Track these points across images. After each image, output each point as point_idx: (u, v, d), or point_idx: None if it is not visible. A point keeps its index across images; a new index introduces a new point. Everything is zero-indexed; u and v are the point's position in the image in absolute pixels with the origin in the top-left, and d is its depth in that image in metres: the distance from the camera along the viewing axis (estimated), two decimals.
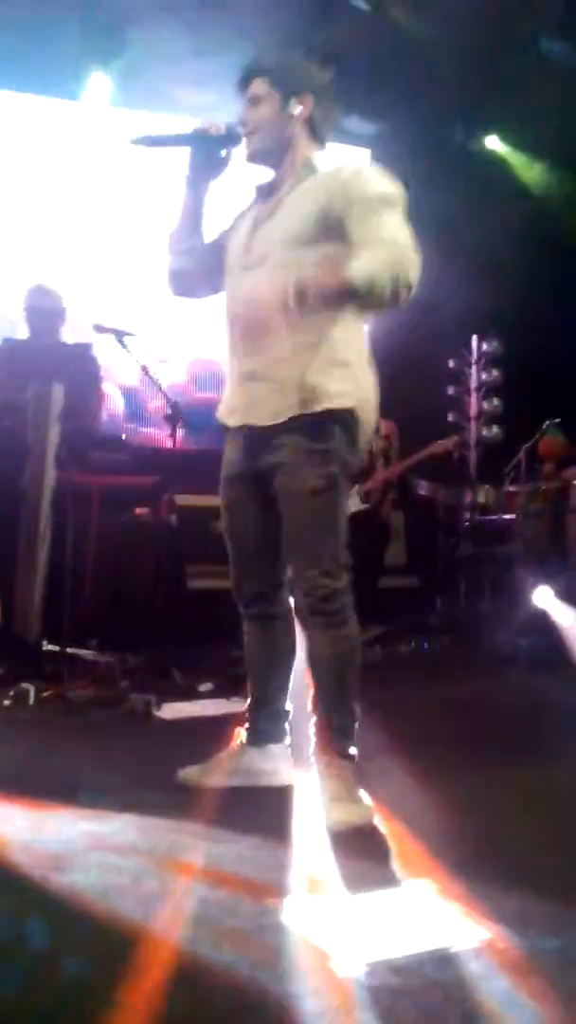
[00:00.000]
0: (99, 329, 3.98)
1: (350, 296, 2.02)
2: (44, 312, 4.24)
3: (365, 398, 2.23)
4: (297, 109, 2.23)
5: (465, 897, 1.69)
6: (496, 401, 6.77)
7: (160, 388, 4.15)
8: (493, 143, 7.13)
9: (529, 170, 7.19)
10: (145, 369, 3.99)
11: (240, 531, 2.37)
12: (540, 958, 1.47)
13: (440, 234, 6.62)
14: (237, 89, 2.30)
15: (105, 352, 4.35)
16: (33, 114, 6.07)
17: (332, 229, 2.12)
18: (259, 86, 2.25)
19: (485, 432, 6.77)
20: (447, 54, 6.14)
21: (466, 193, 6.74)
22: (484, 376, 6.83)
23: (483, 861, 1.88)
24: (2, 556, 3.92)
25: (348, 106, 6.71)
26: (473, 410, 6.87)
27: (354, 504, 5.31)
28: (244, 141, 2.29)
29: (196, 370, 6.39)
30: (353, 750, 2.21)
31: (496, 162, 7.19)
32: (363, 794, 2.13)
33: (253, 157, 2.30)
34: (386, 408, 5.70)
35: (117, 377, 5.89)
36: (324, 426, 2.16)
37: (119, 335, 3.89)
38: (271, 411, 2.19)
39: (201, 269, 2.41)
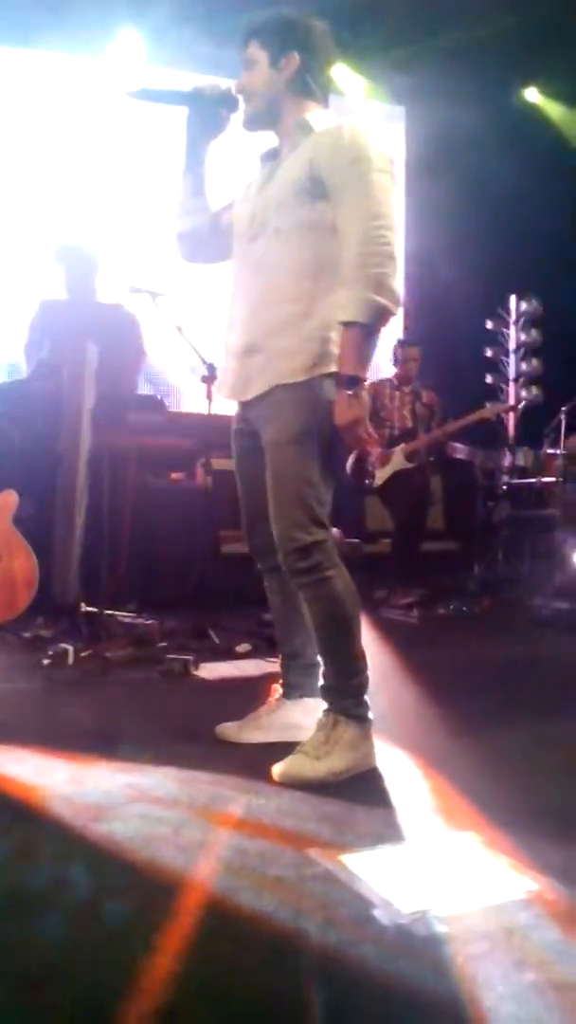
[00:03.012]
0: (134, 290, 3.94)
1: (368, 343, 2.07)
2: (81, 266, 4.21)
3: None
4: (282, 68, 2.18)
5: (511, 849, 1.67)
6: (535, 362, 6.66)
7: (195, 349, 4.11)
8: (532, 95, 6.93)
9: (570, 122, 6.99)
10: (180, 330, 3.94)
11: (245, 484, 2.37)
12: None
13: (476, 190, 6.51)
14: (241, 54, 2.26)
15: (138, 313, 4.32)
16: (64, 72, 6.02)
17: (319, 188, 2.09)
18: (252, 49, 2.21)
19: (524, 394, 6.66)
20: (483, 5, 5.96)
21: (503, 147, 6.58)
22: (523, 337, 6.72)
23: (527, 815, 1.86)
24: (39, 518, 3.93)
25: (382, 61, 6.57)
26: (512, 372, 6.77)
27: (399, 463, 5.28)
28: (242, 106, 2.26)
29: None
30: (359, 710, 2.14)
31: (535, 114, 7.00)
32: (337, 756, 2.07)
33: (249, 123, 2.27)
34: (423, 372, 5.67)
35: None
36: (302, 385, 2.12)
37: (154, 295, 3.85)
38: (259, 385, 2.18)
39: (207, 232, 2.40)
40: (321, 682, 2.22)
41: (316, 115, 2.19)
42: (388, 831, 1.77)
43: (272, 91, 2.20)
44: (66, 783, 1.99)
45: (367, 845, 1.69)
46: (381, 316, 2.04)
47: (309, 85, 2.21)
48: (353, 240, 2.03)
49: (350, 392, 2.05)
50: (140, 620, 3.92)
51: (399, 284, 2.08)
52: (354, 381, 2.06)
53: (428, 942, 1.33)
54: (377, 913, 1.41)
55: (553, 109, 7.00)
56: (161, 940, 1.31)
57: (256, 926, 1.37)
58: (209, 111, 2.31)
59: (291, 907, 1.42)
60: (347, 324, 2.05)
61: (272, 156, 2.28)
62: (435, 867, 1.62)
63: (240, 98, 2.26)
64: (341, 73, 6.61)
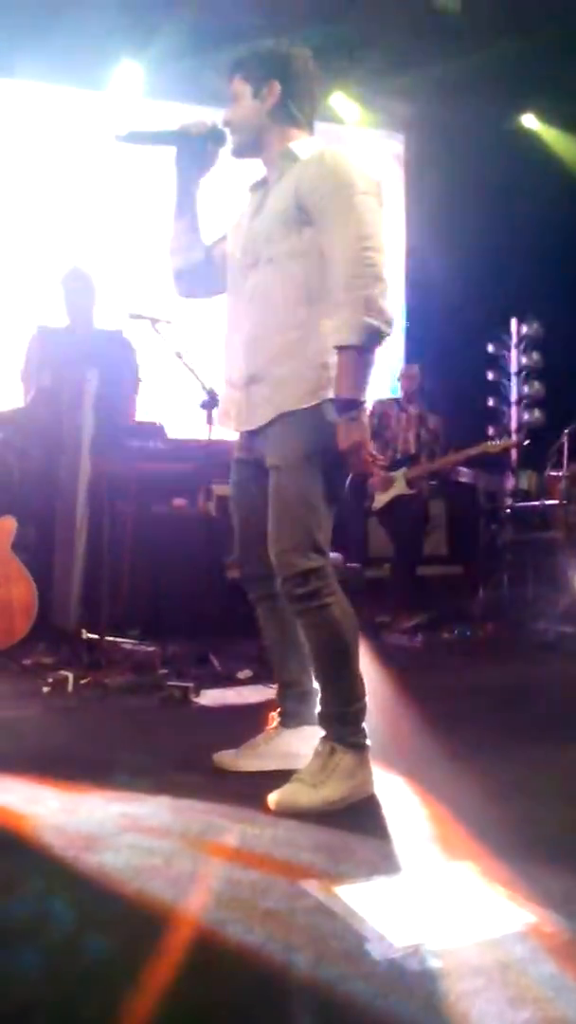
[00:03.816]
0: (133, 316, 3.95)
1: (363, 366, 2.05)
2: (81, 293, 4.23)
3: None
4: (263, 97, 2.19)
5: (509, 880, 1.63)
6: (537, 384, 6.66)
7: (196, 375, 4.11)
8: (530, 121, 6.98)
9: (568, 147, 7.03)
10: (180, 356, 3.94)
11: (242, 511, 2.35)
12: None
13: (476, 215, 6.54)
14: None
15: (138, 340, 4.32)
16: (62, 104, 6.09)
17: (305, 216, 2.10)
18: (236, 82, 2.23)
19: (526, 416, 6.66)
20: (481, 32, 6.02)
21: (502, 173, 6.61)
22: (524, 359, 6.72)
23: (526, 844, 1.82)
24: (40, 545, 3.93)
25: (382, 88, 6.64)
26: (513, 395, 6.76)
27: (400, 488, 5.27)
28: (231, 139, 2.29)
29: None
30: (356, 738, 2.11)
31: (533, 140, 7.04)
32: (333, 785, 2.03)
33: (236, 153, 2.29)
34: (427, 398, 5.64)
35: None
36: (308, 411, 2.12)
37: (153, 322, 3.86)
38: (264, 414, 2.18)
39: (203, 267, 2.41)
40: (318, 709, 2.19)
41: (300, 143, 2.20)
42: (383, 862, 1.73)
43: (256, 122, 2.22)
44: (59, 812, 1.96)
45: (362, 876, 1.65)
46: (375, 337, 2.03)
47: (293, 113, 2.22)
48: (340, 263, 2.03)
49: (350, 416, 2.05)
50: (141, 647, 3.90)
51: (392, 304, 2.06)
52: (353, 405, 2.05)
53: (421, 978, 1.30)
54: (370, 947, 1.38)
55: (551, 135, 7.05)
56: (145, 976, 1.28)
57: (245, 960, 1.34)
58: (197, 148, 2.33)
59: (281, 941, 1.39)
60: (341, 348, 2.04)
61: (260, 186, 2.30)
62: (430, 899, 1.58)
63: (227, 131, 2.29)
64: (339, 101, 6.67)
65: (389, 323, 2.04)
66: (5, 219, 5.99)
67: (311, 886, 1.59)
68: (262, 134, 2.23)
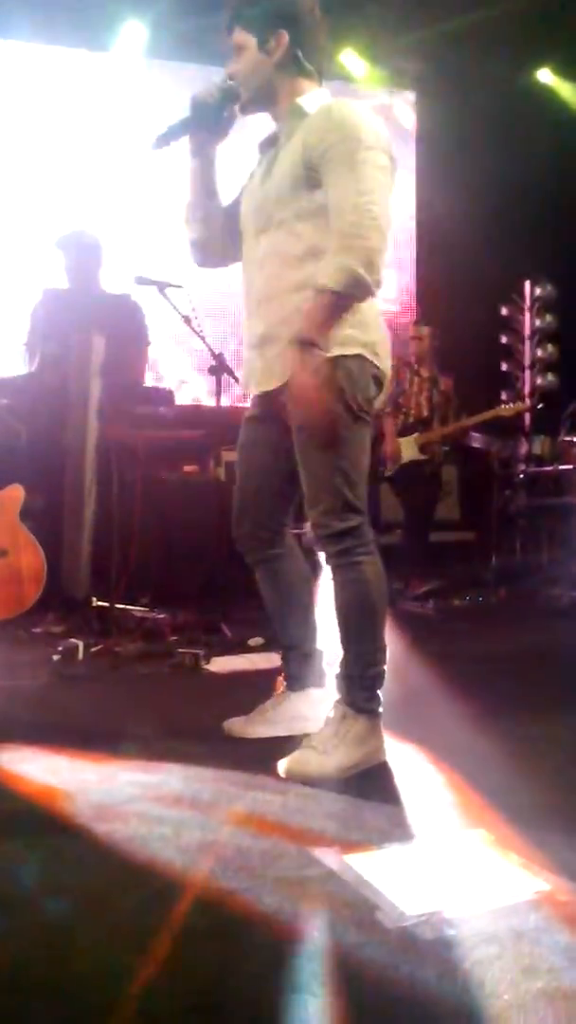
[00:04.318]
0: (141, 281, 3.88)
1: (335, 314, 1.98)
2: (82, 255, 4.17)
3: (372, 341, 2.11)
4: (271, 49, 2.11)
5: (523, 848, 1.61)
6: (551, 348, 6.56)
7: (204, 340, 4.05)
8: (545, 76, 6.81)
9: None
10: (188, 321, 3.88)
11: (245, 470, 2.32)
12: None
13: (487, 174, 6.41)
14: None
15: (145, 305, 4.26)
16: (67, 66, 5.98)
17: (314, 174, 2.04)
18: (239, 34, 2.14)
19: (540, 380, 6.57)
20: None
21: (516, 130, 6.47)
22: (538, 322, 6.62)
23: (540, 811, 1.80)
24: (49, 512, 3.91)
25: (393, 45, 6.48)
26: (527, 358, 6.67)
27: (412, 454, 5.21)
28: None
29: None
30: (370, 704, 2.08)
31: (549, 96, 6.88)
32: (344, 751, 2.01)
33: (246, 109, 2.22)
34: (439, 361, 5.56)
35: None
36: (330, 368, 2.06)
37: (161, 287, 3.79)
38: (280, 374, 2.11)
39: (221, 236, 2.35)
40: (337, 671, 2.17)
41: (309, 97, 2.13)
42: (395, 829, 1.72)
43: (264, 75, 2.14)
44: (70, 781, 1.96)
45: (374, 844, 1.64)
46: (357, 288, 1.96)
47: (301, 63, 2.14)
48: (340, 214, 1.97)
49: (307, 355, 1.95)
50: (152, 614, 3.89)
51: (383, 265, 1.98)
52: (310, 344, 1.96)
53: (433, 946, 1.28)
54: (381, 915, 1.36)
55: (567, 90, 6.88)
56: (155, 944, 1.27)
57: (255, 928, 1.33)
58: (215, 115, 2.25)
59: (292, 909, 1.38)
60: (320, 290, 1.97)
61: (270, 144, 2.23)
62: (443, 867, 1.57)
63: (239, 88, 2.20)
64: (348, 58, 6.52)
65: (377, 282, 1.97)
66: (7, 182, 5.90)
67: (322, 854, 1.58)
68: (270, 87, 2.15)
